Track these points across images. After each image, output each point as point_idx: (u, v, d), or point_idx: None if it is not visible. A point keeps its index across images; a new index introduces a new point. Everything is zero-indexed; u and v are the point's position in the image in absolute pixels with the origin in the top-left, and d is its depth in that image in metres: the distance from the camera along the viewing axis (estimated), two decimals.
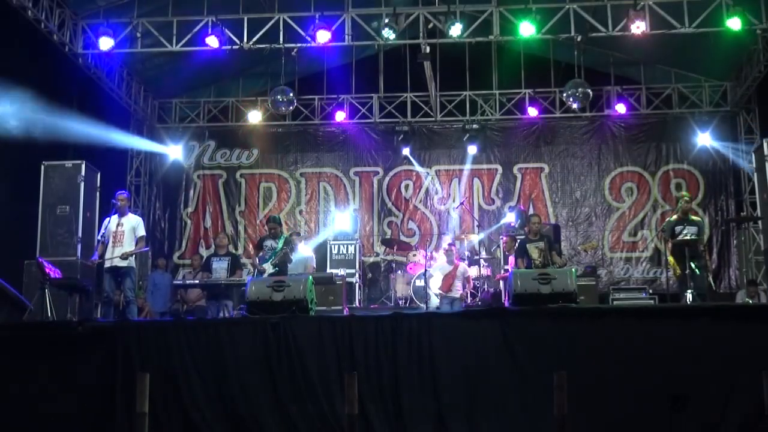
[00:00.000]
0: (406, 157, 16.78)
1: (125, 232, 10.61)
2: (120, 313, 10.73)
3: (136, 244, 10.68)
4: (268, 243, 11.33)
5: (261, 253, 11.16)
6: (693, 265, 10.63)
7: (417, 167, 16.83)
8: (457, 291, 12.68)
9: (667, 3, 13.02)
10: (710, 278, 13.17)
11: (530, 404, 7.69)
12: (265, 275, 10.42)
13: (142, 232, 10.82)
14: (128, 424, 7.71)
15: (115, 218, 10.70)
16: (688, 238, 10.84)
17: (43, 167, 12.68)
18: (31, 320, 9.61)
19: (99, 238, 10.78)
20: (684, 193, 12.17)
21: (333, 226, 16.28)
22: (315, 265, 13.53)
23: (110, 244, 10.52)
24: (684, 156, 16.52)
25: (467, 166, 16.85)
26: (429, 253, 13.58)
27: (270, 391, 8.09)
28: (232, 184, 17.28)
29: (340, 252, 14.63)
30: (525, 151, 16.95)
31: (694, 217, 11.48)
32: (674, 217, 11.31)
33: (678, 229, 11.00)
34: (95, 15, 13.85)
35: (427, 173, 16.87)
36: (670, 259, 11.04)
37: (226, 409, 8.07)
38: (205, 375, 8.21)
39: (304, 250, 13.50)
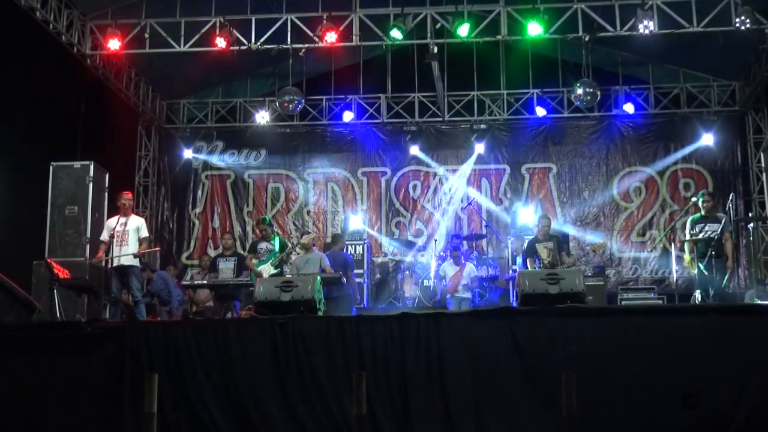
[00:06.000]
0: (413, 157, 16.78)
1: (129, 232, 10.62)
2: (128, 313, 10.74)
3: (140, 245, 10.69)
4: (263, 246, 11.42)
5: (257, 257, 11.28)
6: (714, 265, 10.46)
7: (429, 166, 16.84)
8: (465, 291, 12.66)
9: (675, 2, 12.99)
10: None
11: (538, 404, 7.67)
12: (266, 276, 10.46)
13: (145, 233, 10.82)
14: (136, 424, 7.72)
15: (119, 218, 10.71)
16: (709, 235, 10.65)
17: (51, 168, 12.71)
18: (40, 321, 9.62)
19: (106, 238, 10.75)
20: (703, 192, 11.64)
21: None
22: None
23: (114, 245, 10.50)
24: (692, 156, 16.47)
25: (475, 166, 16.84)
26: (437, 253, 13.57)
27: (278, 391, 8.08)
28: (240, 184, 17.30)
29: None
30: (533, 150, 16.91)
31: (718, 214, 11.18)
32: (697, 214, 11.03)
33: (699, 226, 10.74)
34: (103, 16, 13.87)
35: (435, 173, 16.88)
36: (686, 257, 10.87)
37: (235, 410, 8.07)
38: (213, 375, 8.20)
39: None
